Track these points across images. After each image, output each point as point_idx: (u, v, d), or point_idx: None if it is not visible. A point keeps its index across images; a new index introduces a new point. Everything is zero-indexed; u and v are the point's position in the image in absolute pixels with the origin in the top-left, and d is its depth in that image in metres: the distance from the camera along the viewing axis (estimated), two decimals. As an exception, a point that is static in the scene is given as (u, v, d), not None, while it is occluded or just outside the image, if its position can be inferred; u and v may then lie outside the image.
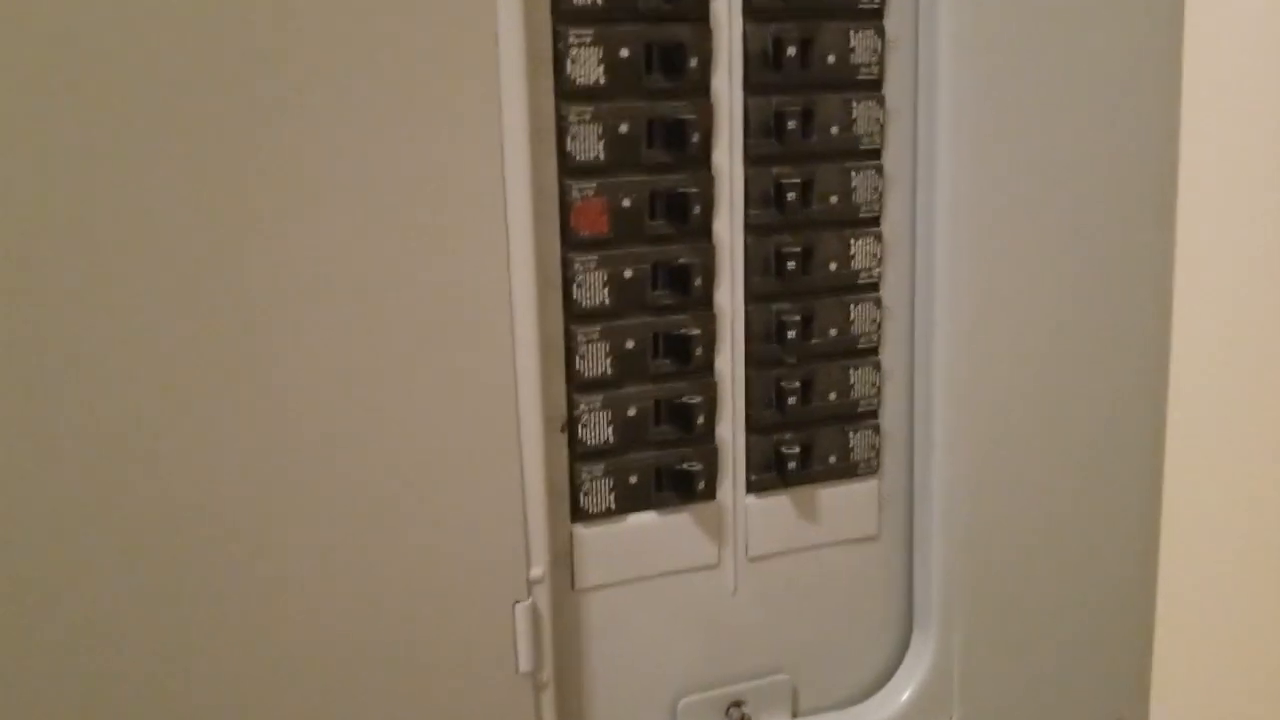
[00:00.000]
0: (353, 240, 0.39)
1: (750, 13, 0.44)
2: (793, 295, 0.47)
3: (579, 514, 0.46)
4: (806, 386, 0.48)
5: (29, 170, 0.35)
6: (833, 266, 0.47)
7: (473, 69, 0.39)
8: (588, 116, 0.43)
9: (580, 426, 0.45)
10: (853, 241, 0.47)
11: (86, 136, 0.35)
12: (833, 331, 0.48)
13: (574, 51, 0.42)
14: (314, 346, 0.39)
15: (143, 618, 0.39)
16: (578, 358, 0.44)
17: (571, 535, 0.46)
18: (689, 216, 0.44)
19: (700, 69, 0.44)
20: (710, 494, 0.47)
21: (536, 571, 0.44)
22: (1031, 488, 0.51)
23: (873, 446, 0.50)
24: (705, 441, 0.47)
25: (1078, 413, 0.51)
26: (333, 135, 0.38)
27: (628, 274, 0.44)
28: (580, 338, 0.44)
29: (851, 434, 0.49)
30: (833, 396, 0.48)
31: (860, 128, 0.47)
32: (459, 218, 0.40)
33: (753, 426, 0.48)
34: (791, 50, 0.44)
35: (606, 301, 0.44)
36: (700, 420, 0.46)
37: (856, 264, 0.48)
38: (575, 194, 0.43)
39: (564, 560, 0.46)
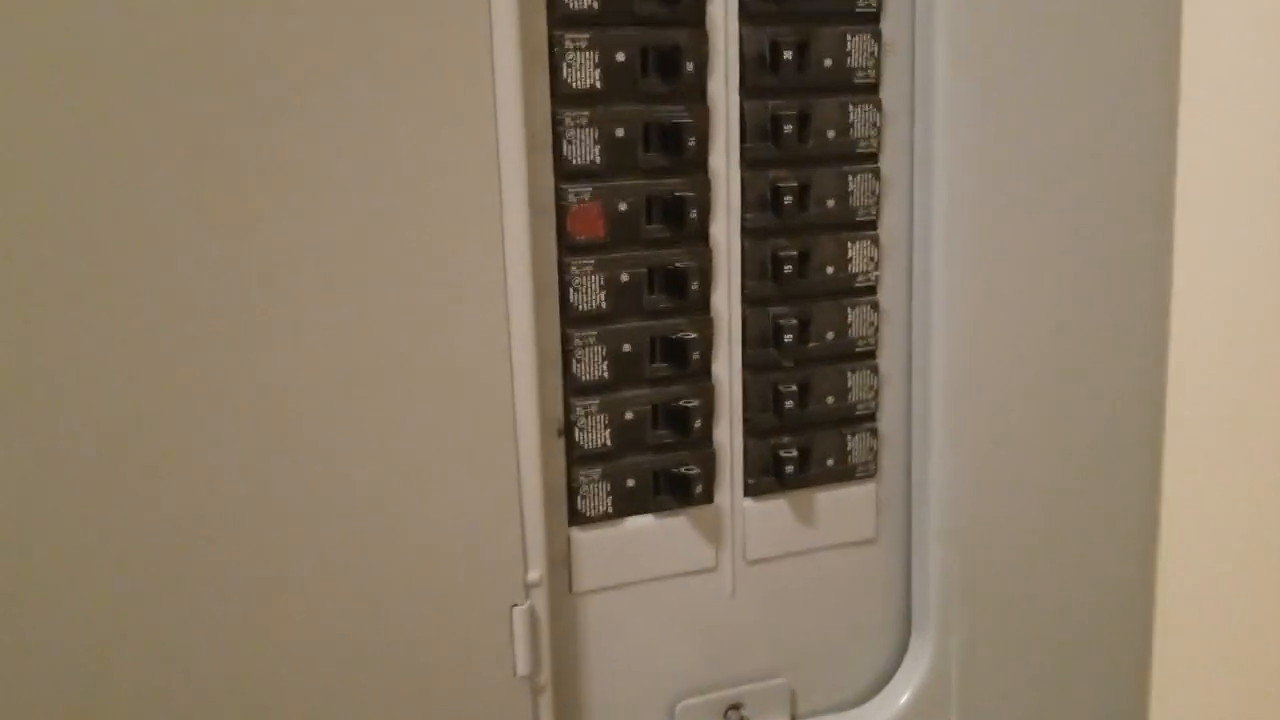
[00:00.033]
0: (349, 244, 0.39)
1: (746, 17, 0.44)
2: (790, 299, 0.47)
3: (576, 517, 0.46)
4: (804, 390, 0.48)
5: (28, 170, 0.35)
6: (830, 270, 0.47)
7: (468, 74, 0.40)
8: (584, 121, 0.43)
9: (577, 430, 0.45)
10: (850, 245, 0.47)
11: (83, 136, 0.36)
12: (830, 335, 0.48)
13: (570, 56, 0.42)
14: (310, 349, 0.39)
15: (139, 623, 0.39)
16: (575, 361, 0.44)
17: (569, 539, 0.46)
18: (685, 220, 0.44)
19: (696, 73, 0.44)
20: (708, 497, 0.47)
21: (534, 575, 0.44)
22: (1030, 490, 0.51)
23: (870, 450, 0.50)
24: (703, 445, 0.47)
25: (1076, 415, 0.51)
26: (329, 140, 0.38)
27: (624, 278, 0.44)
28: (577, 341, 0.44)
29: (849, 437, 0.49)
30: (830, 400, 0.48)
31: (857, 131, 0.47)
32: (455, 222, 0.40)
33: (750, 430, 0.48)
34: (788, 54, 0.44)
35: (603, 305, 0.44)
36: (697, 424, 0.46)
37: (854, 267, 0.48)
38: (571, 198, 0.43)
39: (562, 563, 0.46)
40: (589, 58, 0.42)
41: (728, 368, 0.47)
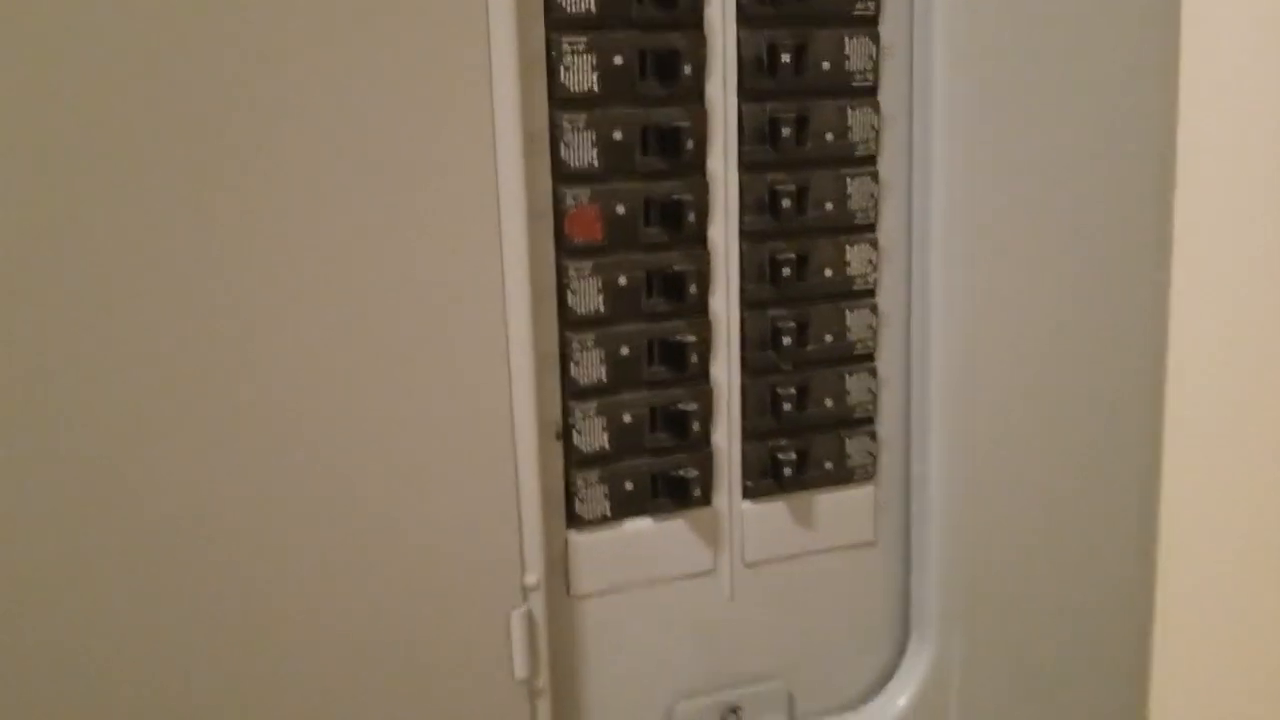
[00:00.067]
0: (347, 247, 0.39)
1: (744, 20, 0.44)
2: (788, 301, 0.47)
3: (574, 520, 0.46)
4: (802, 393, 0.48)
5: (27, 170, 0.35)
6: (828, 273, 0.47)
7: (466, 77, 0.39)
8: (582, 124, 0.43)
9: (575, 433, 0.45)
10: (848, 248, 0.47)
11: (82, 137, 0.36)
12: (828, 338, 0.48)
13: (567, 59, 0.42)
14: (308, 353, 0.39)
15: (134, 630, 0.39)
16: (572, 364, 0.44)
17: (567, 542, 0.46)
18: (683, 223, 0.44)
19: (694, 76, 0.44)
20: (706, 500, 0.47)
21: (532, 578, 0.44)
22: (1029, 492, 0.51)
23: (869, 452, 0.50)
24: (701, 448, 0.47)
25: (1075, 417, 0.51)
26: (327, 144, 0.38)
27: (622, 281, 0.44)
28: (575, 344, 0.44)
29: (847, 440, 0.49)
30: (829, 403, 0.48)
31: (855, 134, 0.46)
32: (453, 226, 0.40)
33: (748, 433, 0.48)
34: (786, 57, 0.44)
35: (601, 308, 0.44)
36: (696, 426, 0.46)
37: (852, 270, 0.48)
38: (569, 201, 0.43)
39: (559, 567, 0.46)
40: (586, 61, 0.42)
41: (726, 371, 0.47)
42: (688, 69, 0.43)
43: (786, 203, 0.46)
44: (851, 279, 0.48)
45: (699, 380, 0.46)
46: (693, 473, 0.46)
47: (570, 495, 0.46)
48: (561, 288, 0.44)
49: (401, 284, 0.40)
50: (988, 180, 0.47)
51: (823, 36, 0.45)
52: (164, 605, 0.39)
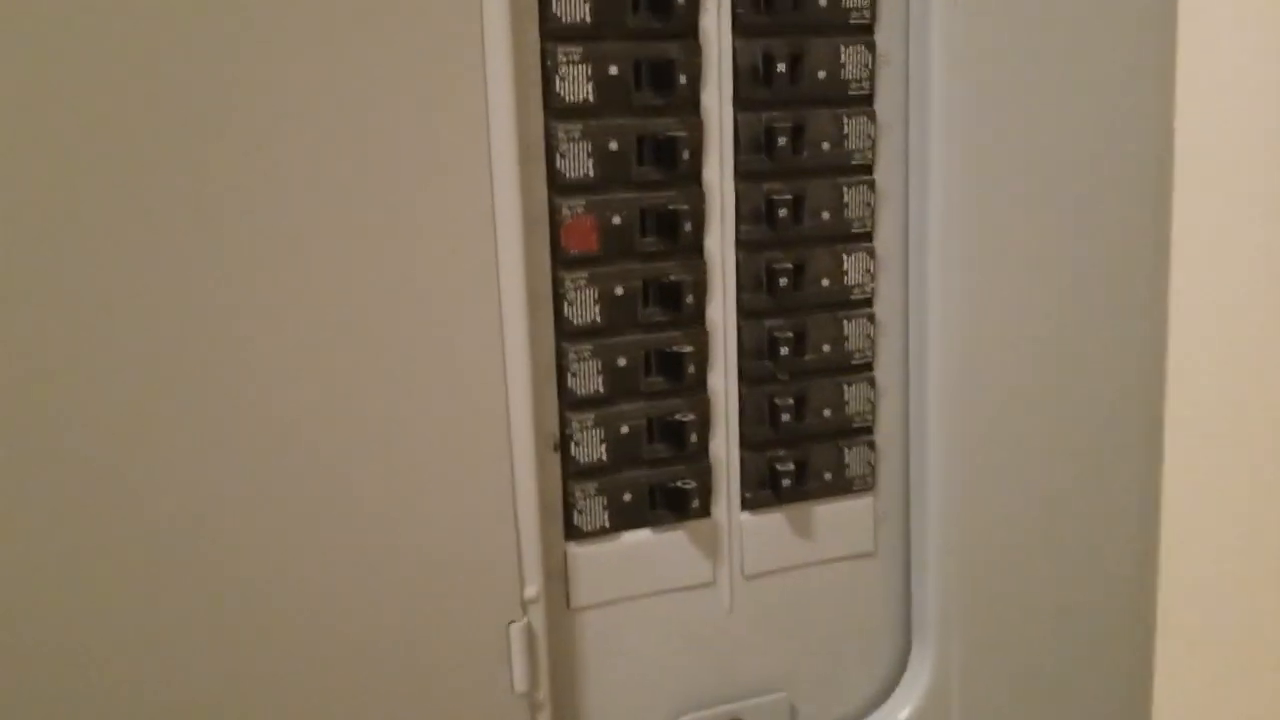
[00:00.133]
0: (342, 258, 0.39)
1: (739, 29, 0.44)
2: (785, 311, 0.47)
3: (573, 532, 0.46)
4: (800, 403, 0.48)
5: (26, 170, 0.35)
6: (825, 282, 0.47)
7: (460, 87, 0.39)
8: (577, 134, 0.42)
9: (573, 444, 0.45)
10: (845, 257, 0.47)
11: (81, 137, 0.35)
12: (826, 347, 0.48)
13: (563, 69, 0.42)
14: (303, 364, 0.39)
15: (131, 635, 0.39)
16: (569, 375, 0.44)
17: (566, 554, 0.46)
18: (680, 233, 0.44)
19: (690, 85, 0.43)
20: (705, 511, 0.47)
21: (531, 591, 0.43)
22: (1029, 500, 0.50)
23: (868, 462, 0.49)
24: (699, 459, 0.47)
25: (1074, 425, 0.51)
26: (322, 153, 0.38)
27: (619, 291, 0.44)
28: (572, 355, 0.44)
29: (846, 450, 0.49)
30: (827, 413, 0.48)
31: (852, 143, 0.46)
32: (449, 237, 0.40)
33: (747, 443, 0.48)
34: (781, 66, 0.44)
35: (598, 319, 0.44)
36: (694, 437, 0.46)
37: (849, 279, 0.47)
38: (565, 212, 0.43)
39: (558, 579, 0.46)
40: (582, 71, 0.42)
41: (723, 381, 0.47)
42: (683, 78, 0.43)
43: (783, 212, 0.45)
44: (849, 288, 0.48)
45: (696, 391, 0.46)
46: (691, 484, 0.46)
47: (569, 507, 0.45)
48: (558, 298, 0.44)
49: (397, 296, 0.40)
50: (985, 188, 0.47)
51: (818, 45, 0.45)
52: (161, 608, 0.39)
